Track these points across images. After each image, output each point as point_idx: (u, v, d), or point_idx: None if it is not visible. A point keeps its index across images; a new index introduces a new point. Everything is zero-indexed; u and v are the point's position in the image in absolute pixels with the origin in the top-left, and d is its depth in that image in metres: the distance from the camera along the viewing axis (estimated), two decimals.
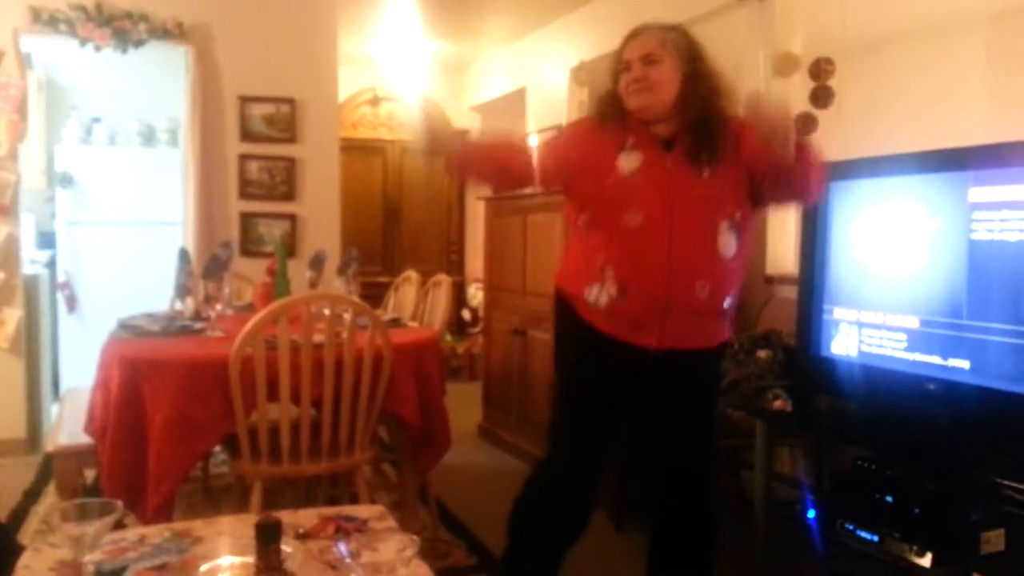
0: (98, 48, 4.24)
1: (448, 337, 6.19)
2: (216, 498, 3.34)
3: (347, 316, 2.46)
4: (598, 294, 2.01)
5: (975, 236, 1.99)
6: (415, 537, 1.28)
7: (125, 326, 2.92)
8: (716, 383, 2.25)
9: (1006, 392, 1.92)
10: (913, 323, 2.18)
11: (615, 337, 2.02)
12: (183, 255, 3.28)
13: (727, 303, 2.02)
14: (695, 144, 1.98)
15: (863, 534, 2.05)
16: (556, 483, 2.18)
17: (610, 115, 2.08)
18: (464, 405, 4.58)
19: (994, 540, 1.84)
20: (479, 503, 3.36)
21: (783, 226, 3.62)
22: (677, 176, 1.98)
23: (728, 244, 1.96)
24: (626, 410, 2.15)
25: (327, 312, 2.42)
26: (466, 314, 6.83)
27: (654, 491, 2.21)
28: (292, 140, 4.71)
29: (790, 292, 3.01)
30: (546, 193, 3.29)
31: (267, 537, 1.20)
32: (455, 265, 7.13)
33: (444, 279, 3.42)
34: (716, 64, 2.07)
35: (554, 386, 2.33)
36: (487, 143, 2.61)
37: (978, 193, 1.99)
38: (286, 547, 1.44)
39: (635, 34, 2.07)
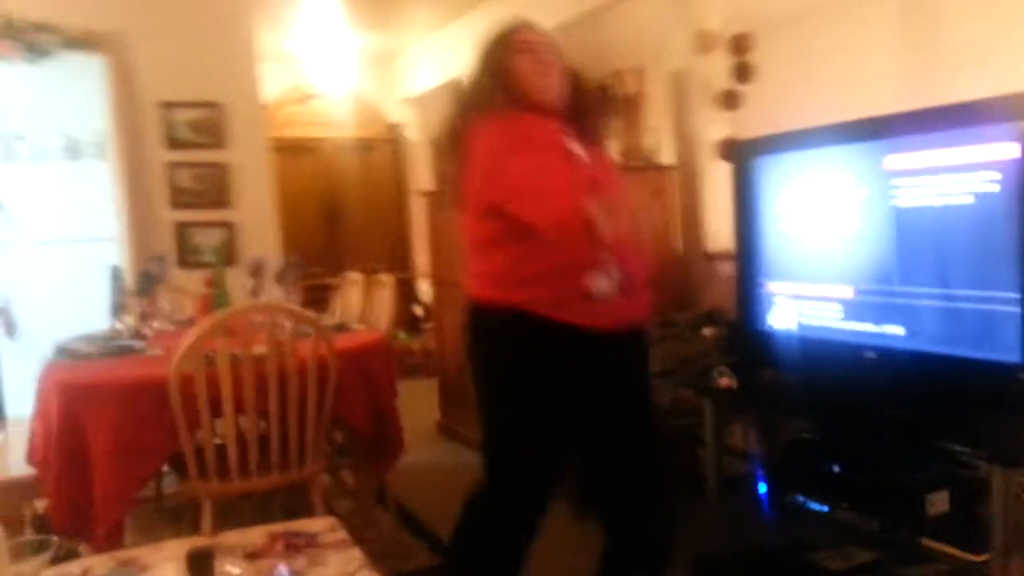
0: (10, 63, 4.09)
1: (402, 335, 6.15)
2: (170, 518, 3.28)
3: (288, 325, 2.42)
4: (608, 281, 1.83)
5: (897, 203, 2.03)
6: (359, 553, 1.26)
7: (62, 350, 2.84)
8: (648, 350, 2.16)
9: (939, 355, 1.98)
10: (847, 292, 2.22)
11: (608, 327, 1.85)
12: (115, 273, 3.20)
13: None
14: (584, 129, 1.96)
15: (813, 505, 2.10)
16: (509, 517, 1.98)
17: (511, 106, 1.89)
18: (421, 403, 4.55)
19: (938, 502, 1.89)
20: (440, 502, 3.32)
21: (719, 203, 3.66)
22: (599, 164, 1.98)
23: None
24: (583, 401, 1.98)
25: (268, 321, 2.38)
26: (418, 310, 6.78)
27: (604, 480, 2.08)
28: (220, 145, 4.60)
29: (731, 268, 3.05)
30: None
31: (198, 567, 1.17)
32: (403, 261, 7.06)
33: (386, 279, 3.39)
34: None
35: (495, 413, 2.02)
36: None
37: (894, 160, 2.03)
38: (233, 568, 1.41)
39: (522, 24, 2.01)
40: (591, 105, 2.02)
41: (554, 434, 1.95)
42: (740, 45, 3.58)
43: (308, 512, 2.48)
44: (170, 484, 3.42)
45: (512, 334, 1.89)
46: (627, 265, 1.86)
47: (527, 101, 1.91)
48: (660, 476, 2.09)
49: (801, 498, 2.13)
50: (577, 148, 1.88)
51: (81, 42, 4.23)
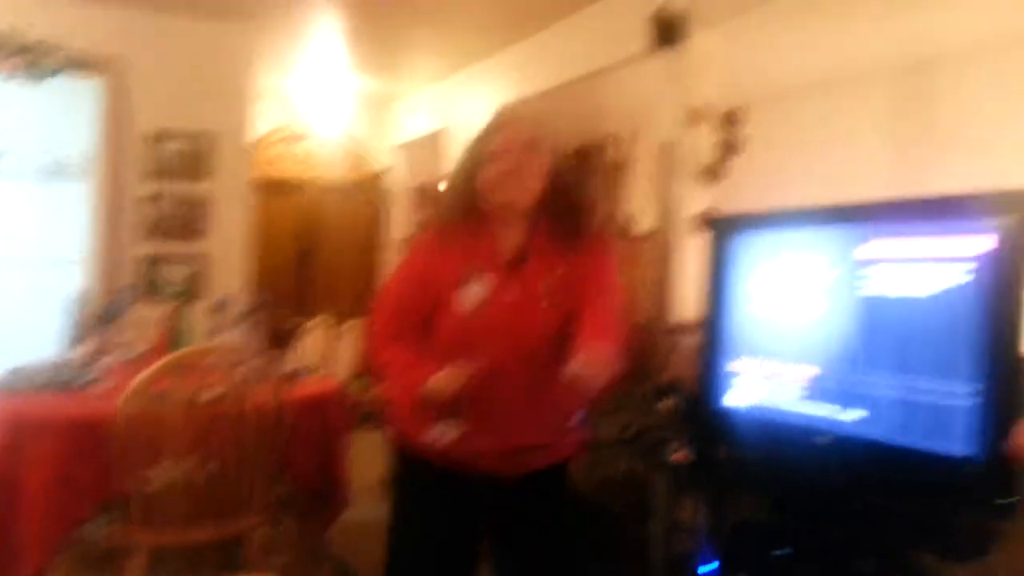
0: (8, 78, 4.09)
1: (359, 381, 6.07)
2: (94, 566, 3.15)
3: (242, 369, 2.39)
4: (443, 433, 1.82)
5: (865, 291, 2.05)
6: None
7: (9, 377, 2.77)
8: (565, 495, 2.07)
9: (894, 444, 1.97)
10: (808, 375, 2.22)
11: (460, 471, 1.86)
12: (78, 301, 3.16)
13: (576, 418, 1.98)
14: (562, 241, 1.88)
15: None
16: None
17: (464, 215, 1.89)
18: (371, 454, 4.47)
19: None
20: (382, 561, 3.26)
21: (684, 275, 3.67)
22: (521, 308, 1.85)
23: (562, 364, 1.76)
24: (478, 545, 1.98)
25: (222, 363, 2.35)
26: None
27: None
28: (203, 177, 4.61)
29: (694, 341, 3.05)
30: None
31: None
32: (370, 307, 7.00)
33: (353, 325, 3.37)
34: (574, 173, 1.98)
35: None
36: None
37: (868, 248, 2.05)
38: None
39: (510, 120, 1.93)
40: (576, 201, 1.92)
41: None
42: (730, 120, 3.63)
43: (244, 566, 2.42)
44: (96, 528, 3.32)
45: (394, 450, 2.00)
46: (517, 430, 1.84)
47: (490, 206, 1.88)
48: None
49: None
50: (471, 292, 1.83)
51: (82, 63, 4.23)
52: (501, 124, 1.92)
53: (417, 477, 1.95)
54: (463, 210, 1.89)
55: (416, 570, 1.96)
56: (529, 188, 1.86)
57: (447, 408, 1.77)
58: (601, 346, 1.72)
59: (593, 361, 1.66)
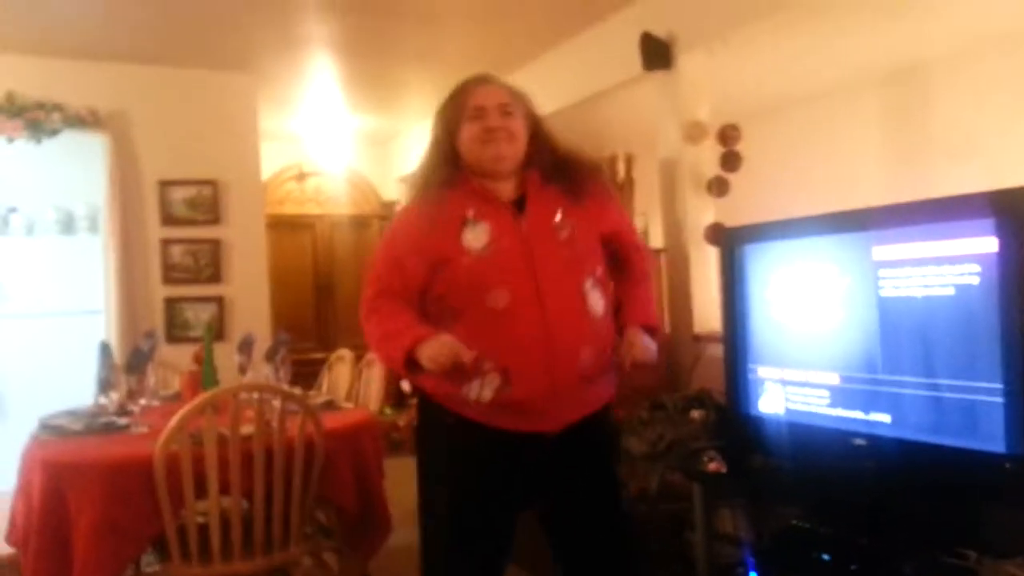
0: (11, 140, 4.16)
1: (387, 410, 6.10)
2: None
3: (276, 404, 2.42)
4: (480, 389, 1.79)
5: (883, 293, 2.07)
6: None
7: (47, 426, 2.81)
8: (612, 442, 2.11)
9: (926, 443, 1.98)
10: (833, 379, 2.24)
11: (507, 429, 1.80)
12: (104, 348, 3.20)
13: (607, 361, 1.92)
14: (558, 188, 1.89)
15: None
16: None
17: (447, 179, 1.87)
18: (406, 481, 4.48)
19: None
20: None
21: (707, 284, 3.71)
22: (535, 241, 1.83)
23: (597, 302, 1.86)
24: (525, 506, 1.93)
25: (256, 399, 2.38)
26: (405, 385, 6.75)
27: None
28: (216, 221, 4.67)
29: (718, 350, 3.08)
30: None
31: None
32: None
33: (376, 357, 3.40)
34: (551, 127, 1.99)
35: (426, 514, 1.96)
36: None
37: (881, 252, 2.08)
38: None
39: (480, 81, 1.92)
40: (563, 155, 1.94)
41: (479, 539, 1.85)
42: (727, 135, 3.69)
43: None
44: (147, 564, 3.36)
45: (424, 424, 1.94)
46: (553, 369, 1.78)
47: (476, 172, 1.88)
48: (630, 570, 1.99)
49: None
50: (475, 235, 1.81)
51: (83, 121, 4.31)
52: (472, 86, 1.90)
53: (457, 437, 1.86)
54: (447, 174, 1.87)
55: (461, 541, 1.86)
56: (515, 145, 1.87)
57: (470, 369, 1.75)
58: (646, 329, 1.87)
59: (640, 345, 1.82)
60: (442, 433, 1.88)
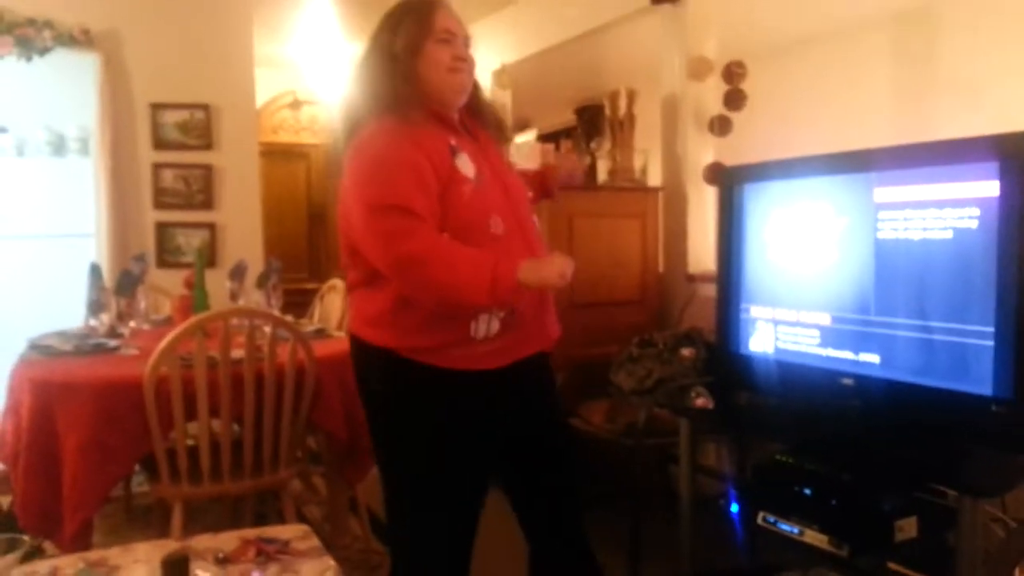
0: (0, 57, 4.06)
1: None
2: (139, 519, 3.24)
3: (267, 329, 2.42)
4: (488, 324, 1.70)
5: (881, 235, 2.06)
6: (332, 562, 1.26)
7: (36, 346, 2.81)
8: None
9: (914, 384, 1.99)
10: (825, 320, 2.24)
11: (500, 366, 1.74)
12: (94, 270, 3.17)
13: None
14: (479, 126, 1.85)
15: (784, 526, 2.10)
16: None
17: (416, 103, 1.70)
18: None
19: (907, 528, 1.90)
20: None
21: (704, 224, 3.69)
22: (502, 173, 1.83)
23: (539, 228, 1.90)
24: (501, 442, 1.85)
25: (247, 325, 2.37)
26: None
27: (523, 503, 1.94)
28: (208, 147, 4.60)
29: (711, 290, 3.08)
30: None
31: (173, 573, 1.16)
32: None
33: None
34: None
35: (401, 476, 1.81)
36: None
37: (883, 193, 2.06)
38: (205, 573, 1.41)
39: (443, 3, 1.77)
40: (484, 101, 1.89)
41: (459, 485, 1.76)
42: (733, 73, 3.62)
43: (279, 518, 2.47)
44: (139, 484, 3.40)
45: (394, 383, 1.74)
46: (539, 290, 1.73)
47: (433, 100, 1.74)
48: (574, 495, 1.96)
49: (772, 519, 2.14)
50: (464, 163, 1.71)
51: (74, 40, 4.21)
52: (436, 6, 1.75)
53: (431, 391, 1.72)
54: (411, 95, 1.70)
55: (447, 491, 1.76)
56: (472, 80, 1.81)
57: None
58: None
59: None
60: (421, 391, 1.73)
